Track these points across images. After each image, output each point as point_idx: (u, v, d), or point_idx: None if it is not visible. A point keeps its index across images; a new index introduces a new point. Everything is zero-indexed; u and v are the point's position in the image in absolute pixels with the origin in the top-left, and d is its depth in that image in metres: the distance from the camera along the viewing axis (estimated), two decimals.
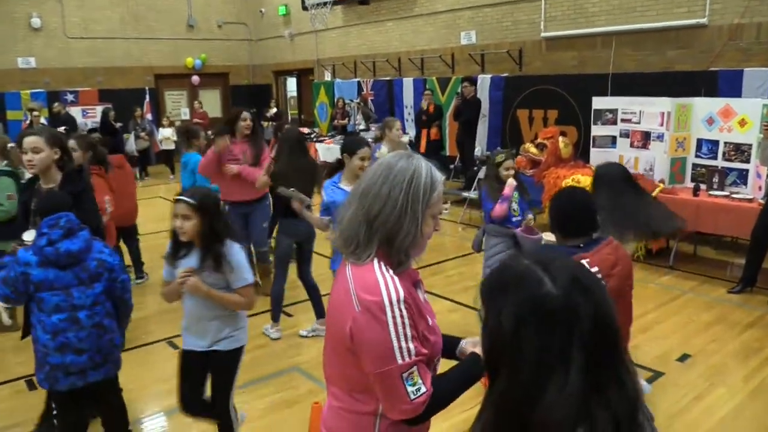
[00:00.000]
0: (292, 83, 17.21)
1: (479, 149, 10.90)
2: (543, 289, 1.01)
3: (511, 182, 4.61)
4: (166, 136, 13.76)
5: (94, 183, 4.24)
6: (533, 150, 7.73)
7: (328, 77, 14.74)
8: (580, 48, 9.46)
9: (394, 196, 1.55)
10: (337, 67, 14.43)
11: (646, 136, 7.05)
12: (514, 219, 4.58)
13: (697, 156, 6.78)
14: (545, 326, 0.99)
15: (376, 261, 1.57)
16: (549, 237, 2.91)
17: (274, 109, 15.02)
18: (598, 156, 7.59)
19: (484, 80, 10.73)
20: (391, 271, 1.57)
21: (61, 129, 11.24)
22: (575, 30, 9.42)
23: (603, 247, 2.47)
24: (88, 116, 14.08)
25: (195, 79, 16.28)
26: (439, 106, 10.81)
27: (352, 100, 13.33)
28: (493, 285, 1.09)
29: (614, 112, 7.38)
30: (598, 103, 7.56)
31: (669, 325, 5.12)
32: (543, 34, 9.85)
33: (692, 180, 6.75)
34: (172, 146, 13.59)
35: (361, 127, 12.53)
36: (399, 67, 12.78)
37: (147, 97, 15.16)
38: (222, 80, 17.09)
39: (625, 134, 7.29)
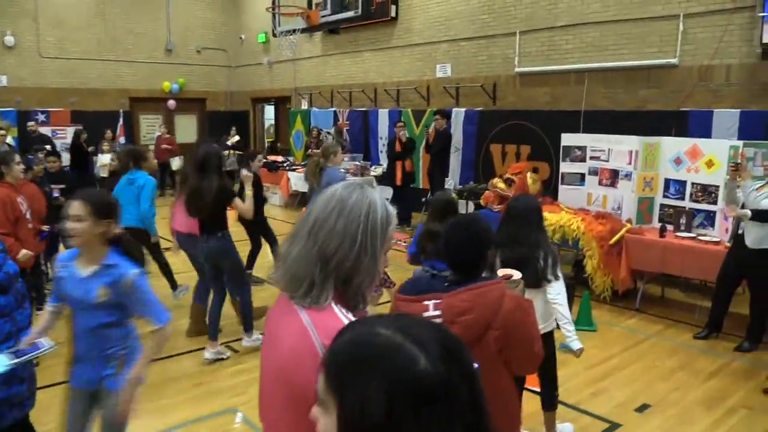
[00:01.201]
0: (270, 111, 17.08)
1: (452, 182, 10.79)
2: (418, 367, 0.85)
3: None
4: (104, 162, 11.42)
5: None
6: (501, 185, 7.58)
7: (304, 106, 14.64)
8: (553, 84, 9.42)
9: (352, 232, 1.42)
10: (314, 95, 14.33)
11: (614, 174, 6.94)
12: None
13: (664, 196, 6.66)
14: (426, 408, 0.83)
15: (334, 304, 1.41)
16: (516, 275, 2.61)
17: (236, 137, 14.68)
18: (566, 193, 7.46)
19: (458, 114, 10.66)
20: (351, 315, 1.41)
21: (47, 148, 11.06)
22: (548, 66, 9.38)
23: (465, 291, 2.18)
24: (58, 137, 13.80)
25: (171, 103, 16.10)
26: (411, 139, 10.69)
27: (321, 130, 13.17)
28: (347, 363, 0.88)
29: (583, 149, 7.27)
30: (567, 139, 7.46)
31: (631, 372, 4.90)
32: (517, 69, 9.81)
33: (660, 220, 6.62)
34: (106, 174, 12.58)
35: None
36: (375, 98, 12.70)
37: (121, 120, 14.96)
38: (199, 105, 16.93)
39: (594, 172, 7.17)
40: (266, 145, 17.08)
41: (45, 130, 13.53)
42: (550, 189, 8.32)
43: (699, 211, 6.34)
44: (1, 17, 13.54)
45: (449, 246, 2.31)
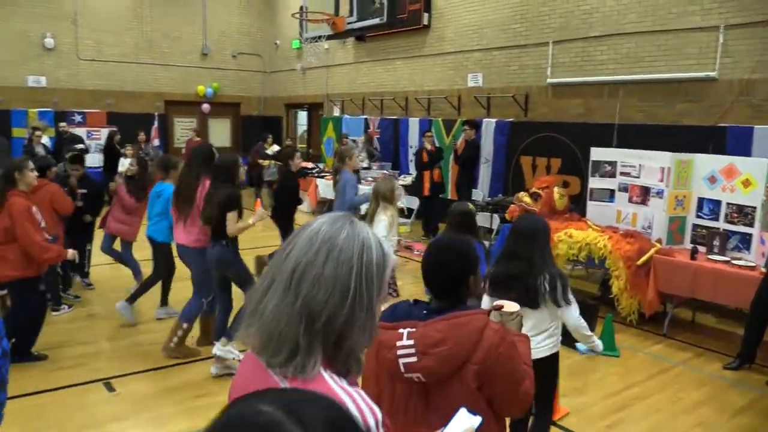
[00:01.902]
0: (303, 117, 17.10)
1: (481, 194, 10.57)
2: None
3: None
4: (123, 167, 10.51)
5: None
6: (527, 199, 7.33)
7: (336, 112, 14.59)
8: (586, 96, 9.13)
9: (343, 279, 1.17)
10: (345, 102, 14.28)
11: (645, 192, 6.63)
12: None
13: (697, 216, 6.33)
14: None
15: (323, 371, 1.17)
16: (511, 306, 2.41)
17: (276, 147, 14.47)
18: (595, 210, 7.17)
19: (488, 124, 10.45)
20: (345, 384, 1.18)
21: (80, 146, 11.25)
22: (582, 77, 9.10)
23: (440, 321, 1.97)
24: (93, 137, 14.03)
25: (205, 107, 16.24)
26: (440, 148, 10.50)
27: (347, 137, 13.05)
28: None
29: (613, 164, 6.98)
30: (597, 154, 7.17)
31: (652, 403, 4.61)
32: (549, 80, 9.56)
33: (692, 241, 6.29)
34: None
35: (364, 164, 12.26)
36: (406, 107, 12.56)
37: (155, 122, 15.12)
38: (233, 110, 17.05)
39: (624, 188, 6.87)
40: (277, 150, 17.09)
41: (80, 131, 13.77)
42: (580, 204, 8.04)
43: (734, 233, 6.00)
44: (41, 19, 13.86)
45: (426, 270, 2.14)
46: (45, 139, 12.07)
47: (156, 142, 14.94)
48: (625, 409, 4.49)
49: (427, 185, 10.30)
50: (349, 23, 8.66)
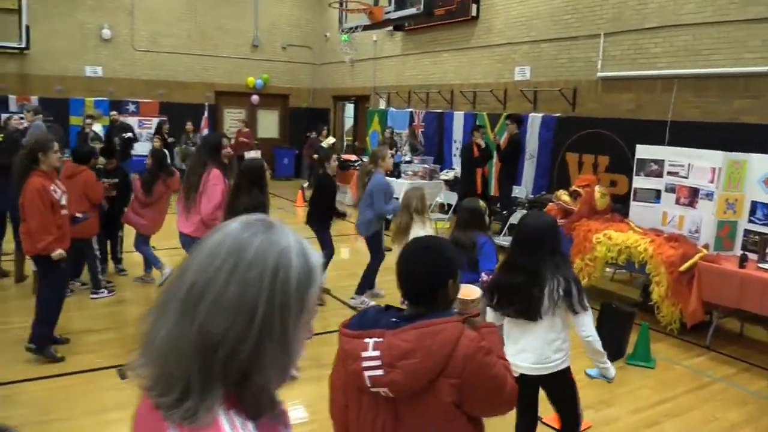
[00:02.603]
0: (350, 109, 17.02)
1: (525, 191, 10.22)
2: None
3: None
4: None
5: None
6: (566, 198, 7.00)
7: (382, 105, 14.44)
8: (637, 91, 8.65)
9: (250, 303, 0.95)
10: (392, 95, 14.11)
11: (693, 193, 6.20)
12: None
13: (750, 221, 5.87)
14: None
15: (223, 416, 0.95)
16: (471, 292, 2.22)
17: (332, 139, 14.17)
18: (638, 211, 6.78)
19: (534, 119, 10.08)
20: (252, 427, 0.98)
21: (127, 135, 11.55)
22: (634, 71, 8.63)
23: (410, 329, 1.77)
24: (144, 126, 14.37)
25: (255, 98, 16.38)
26: (488, 144, 10.14)
27: (392, 130, 12.83)
28: None
29: (660, 163, 6.56)
30: (643, 151, 6.76)
31: (685, 421, 4.28)
32: (599, 74, 9.11)
33: (742, 248, 5.84)
34: None
35: (407, 158, 12.08)
36: (451, 100, 12.28)
37: (206, 112, 15.33)
38: (282, 101, 17.13)
39: (671, 189, 6.45)
40: (345, 143, 17.08)
41: (133, 120, 14.12)
42: (627, 205, 7.61)
43: None
44: (99, 11, 14.23)
45: (400, 273, 1.96)
46: (97, 127, 12.39)
47: (206, 132, 15.15)
48: (653, 426, 4.17)
49: (479, 182, 9.94)
50: (386, 13, 8.47)
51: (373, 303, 6.42)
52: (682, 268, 5.60)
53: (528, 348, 3.10)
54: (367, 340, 1.82)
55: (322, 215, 6.62)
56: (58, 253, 4.75)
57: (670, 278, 5.69)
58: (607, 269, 7.39)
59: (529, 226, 3.15)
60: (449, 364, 1.76)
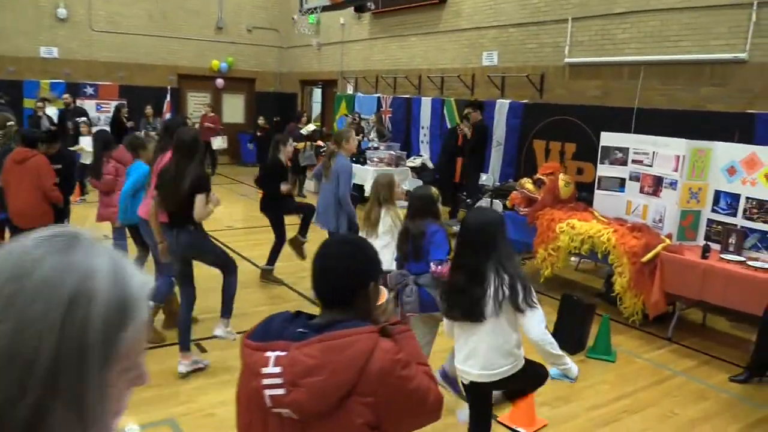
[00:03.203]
0: (318, 94, 16.68)
1: (492, 179, 10.05)
2: None
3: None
4: (82, 146, 10.10)
5: None
6: (529, 186, 6.83)
7: (350, 90, 14.14)
8: (605, 77, 8.51)
9: (28, 348, 0.68)
10: (359, 80, 13.81)
11: (657, 182, 6.07)
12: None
13: (713, 210, 5.76)
14: None
15: None
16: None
17: (311, 126, 13.67)
18: (603, 200, 6.65)
19: (502, 105, 9.90)
20: None
21: (82, 119, 11.05)
22: (601, 57, 8.48)
23: (315, 342, 1.55)
24: (102, 110, 13.88)
25: (219, 81, 15.94)
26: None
27: (358, 115, 12.55)
28: None
29: (625, 151, 6.42)
30: (608, 139, 6.62)
31: (642, 418, 4.14)
32: (567, 60, 8.94)
33: (706, 238, 5.73)
34: (89, 159, 11.92)
35: (374, 144, 11.82)
36: (419, 85, 12.04)
37: (168, 96, 14.85)
38: (248, 85, 16.71)
39: (636, 177, 6.32)
40: (312, 129, 16.71)
41: (89, 104, 13.63)
42: (591, 194, 7.47)
43: (753, 230, 5.43)
44: None
45: (314, 270, 1.73)
46: (51, 111, 11.91)
47: (168, 116, 14.70)
48: (610, 423, 4.03)
49: (459, 171, 9.72)
50: None
51: None
52: (645, 258, 5.47)
53: (474, 353, 2.94)
54: (268, 353, 1.59)
55: (273, 200, 6.41)
56: None
57: (632, 269, 5.56)
58: (573, 259, 7.26)
59: (471, 224, 2.98)
60: (361, 382, 1.53)
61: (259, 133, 13.97)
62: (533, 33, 9.56)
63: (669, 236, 5.75)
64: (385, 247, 4.57)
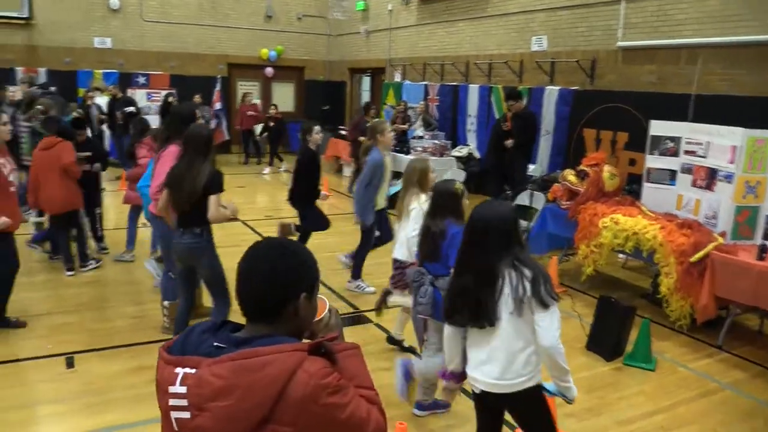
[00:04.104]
0: (366, 83, 16.47)
1: (539, 169, 9.63)
2: None
3: None
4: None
5: None
6: (572, 178, 6.41)
7: (397, 78, 13.86)
8: (660, 62, 7.94)
9: None
10: (407, 68, 13.51)
11: (711, 174, 5.57)
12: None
13: None
14: None
15: None
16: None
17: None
18: (651, 193, 6.18)
19: (551, 92, 9.45)
20: None
21: (130, 109, 11.24)
22: (657, 40, 7.91)
23: (226, 361, 1.32)
24: (153, 99, 14.07)
25: (269, 70, 15.94)
26: None
27: (405, 103, 12.16)
28: None
29: (677, 140, 5.93)
30: (658, 128, 6.13)
31: None
32: (619, 43, 8.40)
33: (764, 237, 5.20)
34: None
35: (419, 133, 11.52)
36: (466, 72, 11.65)
37: (218, 85, 14.96)
38: (297, 74, 16.66)
39: (688, 169, 5.83)
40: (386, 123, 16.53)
41: (140, 93, 13.86)
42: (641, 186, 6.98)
43: None
44: None
45: (237, 276, 1.51)
46: (102, 100, 12.15)
47: (218, 105, 14.82)
48: None
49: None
50: None
51: (370, 288, 6.02)
52: (693, 258, 5.02)
53: (490, 359, 2.63)
54: (177, 370, 1.38)
55: (305, 193, 6.17)
56: (4, 221, 4.41)
57: (679, 269, 5.11)
58: (620, 256, 6.82)
59: (479, 221, 2.66)
60: (278, 409, 1.31)
61: (271, 123, 13.71)
62: (584, 15, 9.04)
63: (722, 234, 5.26)
64: (402, 242, 4.42)
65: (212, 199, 4.05)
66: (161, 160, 4.46)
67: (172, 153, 4.42)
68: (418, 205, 4.19)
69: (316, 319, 1.67)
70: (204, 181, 4.00)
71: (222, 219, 4.17)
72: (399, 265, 4.44)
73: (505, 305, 2.54)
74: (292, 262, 1.48)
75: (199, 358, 1.37)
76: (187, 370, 1.36)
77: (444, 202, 3.61)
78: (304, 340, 1.50)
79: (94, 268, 6.32)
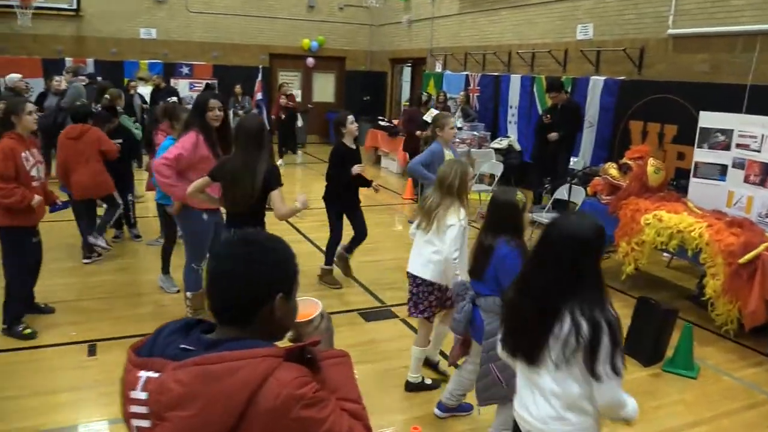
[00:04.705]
0: (407, 73, 16.25)
1: (582, 162, 9.29)
2: None
3: None
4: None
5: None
6: (613, 172, 6.10)
7: (438, 68, 13.61)
8: (714, 50, 7.49)
9: None
10: (448, 58, 13.25)
11: (766, 170, 5.20)
12: None
13: None
14: None
15: None
16: (308, 306, 1.59)
17: (434, 111, 12.42)
18: (699, 189, 5.84)
19: (596, 83, 9.08)
20: None
21: (172, 99, 11.36)
22: (711, 27, 7.47)
23: (190, 365, 1.19)
24: (195, 89, 14.20)
25: (310, 61, 15.89)
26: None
27: (445, 94, 11.85)
28: None
29: (728, 133, 5.56)
30: (707, 119, 5.77)
31: None
32: (670, 31, 7.97)
33: None
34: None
35: (458, 124, 11.26)
36: (509, 62, 11.33)
37: (260, 75, 14.99)
38: (338, 64, 16.57)
39: (740, 164, 5.46)
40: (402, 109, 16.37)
41: (183, 83, 14.02)
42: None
43: None
44: None
45: (207, 274, 1.38)
46: (145, 90, 12.29)
47: (260, 95, 14.87)
48: None
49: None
50: None
51: None
52: (743, 259, 4.68)
53: (535, 401, 2.27)
54: (141, 373, 1.27)
55: (334, 195, 5.71)
56: (37, 199, 4.41)
57: (727, 270, 4.79)
58: (665, 254, 6.48)
59: (556, 236, 2.21)
60: (245, 421, 1.18)
61: (283, 116, 13.10)
62: (632, 2, 8.62)
63: None
64: (431, 259, 3.74)
65: (275, 195, 3.85)
66: (179, 141, 4.39)
67: (190, 137, 4.38)
68: (458, 220, 3.60)
69: (306, 320, 1.53)
70: (262, 178, 3.81)
71: (292, 213, 4.01)
72: (420, 283, 3.83)
73: (552, 349, 2.15)
74: (266, 259, 1.34)
75: (164, 361, 1.25)
76: (151, 373, 1.25)
77: (502, 214, 3.13)
78: (288, 344, 1.37)
79: (94, 260, 6.19)
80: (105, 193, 6.03)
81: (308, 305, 1.55)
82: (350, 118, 5.65)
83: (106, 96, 7.11)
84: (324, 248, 5.90)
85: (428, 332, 3.99)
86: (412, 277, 3.86)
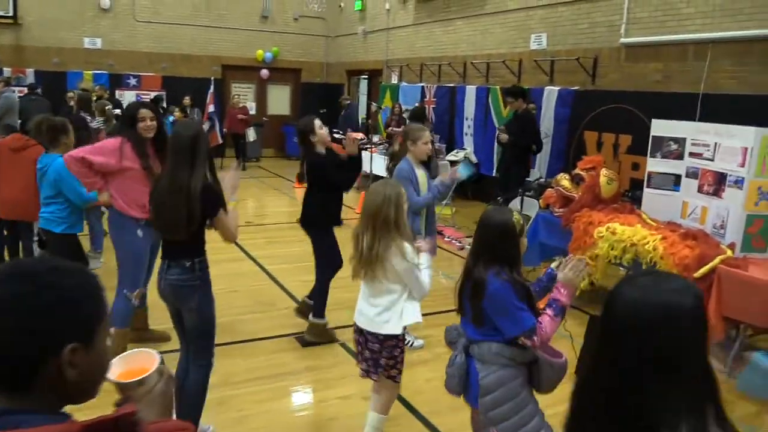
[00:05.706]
0: (364, 85, 16.02)
1: (537, 174, 9.09)
2: None
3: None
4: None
5: None
6: (565, 183, 5.88)
7: (394, 80, 13.39)
8: (666, 59, 7.39)
9: None
10: (404, 69, 13.03)
11: (720, 179, 5.02)
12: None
13: None
14: None
15: None
16: None
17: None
18: (653, 200, 5.63)
19: (550, 93, 8.92)
20: None
21: (116, 111, 10.85)
22: (662, 36, 7.36)
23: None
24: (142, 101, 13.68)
25: (264, 72, 15.52)
26: None
27: (400, 105, 11.68)
28: None
29: (681, 141, 5.38)
30: (659, 128, 5.59)
31: None
32: (623, 40, 7.86)
33: None
34: None
35: None
36: (464, 73, 11.14)
37: (212, 87, 14.54)
38: (293, 76, 16.22)
39: (693, 173, 5.28)
40: (361, 122, 16.07)
41: (130, 94, 13.50)
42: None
43: None
44: None
45: None
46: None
47: (212, 107, 14.41)
48: None
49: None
50: None
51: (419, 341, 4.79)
52: (698, 273, 4.47)
53: None
54: None
55: (317, 215, 4.68)
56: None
57: None
58: (621, 268, 6.26)
59: (631, 310, 1.25)
60: None
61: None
62: (585, 11, 8.51)
63: (731, 246, 4.70)
64: (389, 308, 3.07)
65: (220, 221, 3.13)
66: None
67: (110, 142, 4.06)
68: (407, 261, 2.98)
69: (136, 380, 1.16)
70: (199, 201, 2.99)
71: (236, 230, 3.26)
72: (383, 339, 3.10)
73: None
74: (44, 299, 0.97)
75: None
76: None
77: (493, 240, 2.57)
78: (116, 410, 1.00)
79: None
80: (33, 219, 5.25)
81: (143, 358, 1.19)
82: (317, 122, 4.57)
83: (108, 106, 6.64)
84: (272, 269, 5.40)
85: (394, 395, 3.28)
86: (367, 334, 3.13)
